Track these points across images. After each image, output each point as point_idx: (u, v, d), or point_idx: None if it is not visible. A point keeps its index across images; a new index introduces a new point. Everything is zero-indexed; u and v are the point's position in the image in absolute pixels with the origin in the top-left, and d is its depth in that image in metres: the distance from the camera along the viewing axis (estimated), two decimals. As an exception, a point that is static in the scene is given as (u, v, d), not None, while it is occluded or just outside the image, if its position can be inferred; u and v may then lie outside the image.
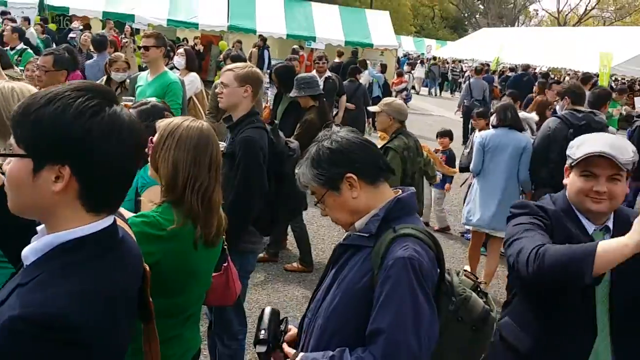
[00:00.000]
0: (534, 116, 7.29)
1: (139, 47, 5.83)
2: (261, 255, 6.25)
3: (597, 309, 2.18)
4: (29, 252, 1.43)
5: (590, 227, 2.26)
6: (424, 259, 1.79)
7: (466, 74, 26.12)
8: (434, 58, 35.20)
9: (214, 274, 2.70)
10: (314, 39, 20.49)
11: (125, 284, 1.52)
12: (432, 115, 20.27)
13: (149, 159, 2.30)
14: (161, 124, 2.31)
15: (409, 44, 42.63)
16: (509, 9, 59.42)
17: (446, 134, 8.16)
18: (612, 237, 2.14)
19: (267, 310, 2.11)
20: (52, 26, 16.80)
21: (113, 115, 1.39)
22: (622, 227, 2.10)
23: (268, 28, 19.86)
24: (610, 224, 2.28)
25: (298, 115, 6.28)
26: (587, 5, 56.69)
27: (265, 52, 17.99)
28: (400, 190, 2.00)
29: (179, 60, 7.32)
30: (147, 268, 1.73)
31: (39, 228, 1.49)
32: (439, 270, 1.89)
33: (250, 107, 3.68)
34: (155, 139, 2.27)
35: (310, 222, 7.10)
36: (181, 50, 7.52)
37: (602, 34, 25.43)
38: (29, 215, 1.50)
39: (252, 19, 20.05)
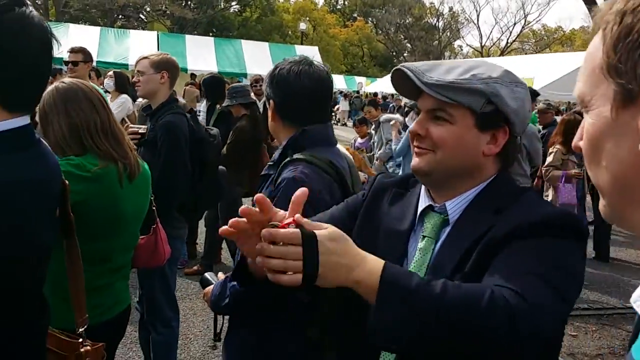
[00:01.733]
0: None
1: (66, 63, 5.80)
2: (195, 267, 6.22)
3: None
4: None
5: (424, 202, 1.47)
6: (313, 180, 1.88)
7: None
8: (357, 92, 36.06)
9: (142, 236, 2.71)
10: (245, 74, 20.76)
11: (45, 177, 1.56)
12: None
13: None
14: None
15: (340, 82, 43.58)
16: (435, 45, 61.81)
17: (363, 121, 8.82)
18: (452, 235, 1.39)
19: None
20: None
21: (23, 14, 1.44)
22: (480, 219, 1.35)
23: (199, 66, 20.03)
24: (454, 206, 1.42)
25: (229, 124, 6.35)
26: (507, 39, 59.69)
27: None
28: None
29: (108, 82, 7.32)
30: (67, 182, 1.76)
31: None
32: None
33: (168, 95, 3.72)
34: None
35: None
36: (110, 72, 7.53)
37: (523, 62, 26.79)
38: None
39: (183, 57, 20.18)
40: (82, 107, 2.25)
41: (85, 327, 1.98)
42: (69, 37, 18.52)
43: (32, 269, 1.53)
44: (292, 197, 1.19)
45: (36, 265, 1.55)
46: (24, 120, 1.51)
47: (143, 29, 33.67)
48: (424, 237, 1.42)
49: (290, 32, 51.24)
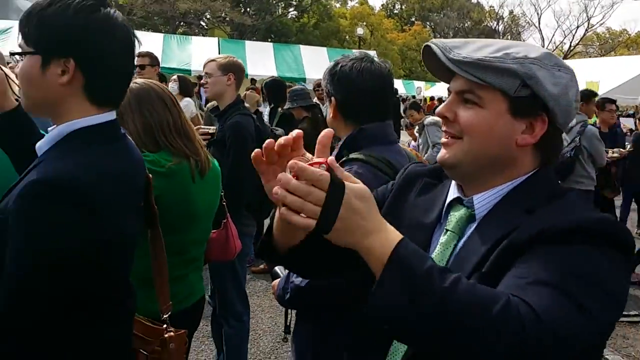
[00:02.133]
0: None
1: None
2: (261, 266, 6.32)
3: None
4: (42, 143, 1.56)
5: (453, 194, 1.36)
6: (368, 180, 1.85)
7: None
8: (413, 96, 35.74)
9: (214, 230, 2.81)
10: (303, 79, 20.93)
11: (131, 170, 1.64)
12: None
13: None
14: None
15: (399, 86, 43.32)
16: (494, 49, 60.58)
17: (411, 125, 8.57)
18: (478, 232, 1.26)
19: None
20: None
21: (108, 15, 1.54)
22: (508, 218, 1.21)
23: (259, 71, 20.33)
24: (481, 201, 1.29)
25: (291, 127, 6.46)
26: (570, 42, 58.10)
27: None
28: None
29: (172, 86, 7.54)
30: (150, 176, 1.85)
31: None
32: None
33: (235, 96, 3.84)
34: None
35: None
36: (174, 77, 7.77)
37: (588, 66, 26.05)
38: (40, 112, 1.63)
39: (243, 63, 20.46)
40: (155, 107, 2.35)
41: (169, 314, 2.08)
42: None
43: (119, 256, 1.61)
44: (319, 138, 1.08)
45: (123, 253, 1.63)
46: (111, 115, 1.60)
47: (204, 35, 34.47)
48: (447, 230, 1.29)
49: (347, 38, 51.39)
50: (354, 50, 25.11)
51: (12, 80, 1.88)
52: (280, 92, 6.86)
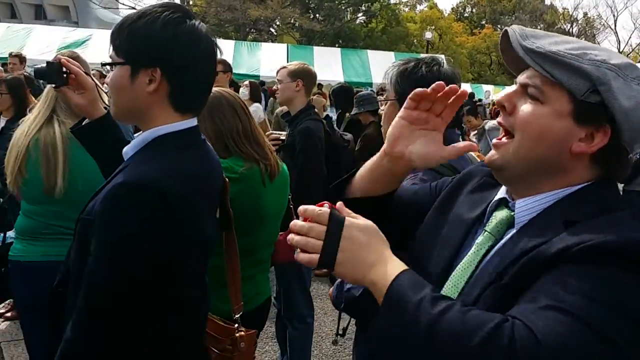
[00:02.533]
0: None
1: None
2: (325, 270, 6.37)
3: None
4: (128, 149, 1.67)
5: (501, 194, 1.30)
6: None
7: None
8: (479, 100, 35.02)
9: (281, 232, 2.89)
10: (370, 84, 20.92)
11: (210, 175, 1.73)
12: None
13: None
14: None
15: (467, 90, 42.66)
16: (568, 52, 58.75)
17: (471, 112, 8.20)
18: (514, 239, 1.18)
19: None
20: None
21: (193, 27, 1.63)
22: (546, 230, 1.12)
23: (326, 76, 20.47)
24: (524, 206, 1.21)
25: (358, 132, 6.50)
26: (648, 44, 55.55)
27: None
28: None
29: (243, 91, 7.76)
30: (227, 180, 1.93)
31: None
32: None
33: (306, 102, 3.94)
34: None
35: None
36: (246, 82, 8.00)
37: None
38: (128, 120, 1.74)
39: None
40: (225, 115, 2.44)
41: (240, 313, 2.16)
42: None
43: (196, 256, 1.69)
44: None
45: (199, 252, 1.71)
46: (192, 122, 1.69)
47: (273, 41, 35.02)
48: (485, 231, 1.23)
49: (415, 42, 50.94)
50: (422, 54, 24.86)
51: (101, 89, 2.00)
52: (347, 98, 6.92)
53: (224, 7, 35.42)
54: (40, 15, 46.54)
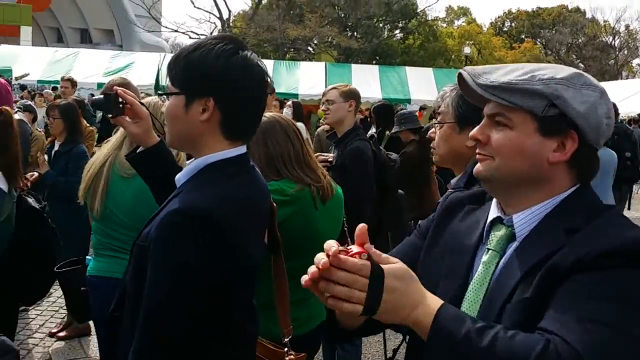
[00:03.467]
0: None
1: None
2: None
3: None
4: (181, 176, 1.72)
5: (494, 214, 1.38)
6: None
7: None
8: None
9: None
10: (408, 100, 20.89)
11: (258, 200, 1.77)
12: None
13: None
14: None
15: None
16: (611, 65, 57.69)
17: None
18: (518, 251, 1.28)
19: None
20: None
21: (245, 57, 1.68)
22: (549, 238, 1.24)
23: (364, 93, 20.50)
24: (521, 220, 1.31)
25: (399, 150, 6.49)
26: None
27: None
28: None
29: (287, 111, 7.92)
30: (275, 204, 1.97)
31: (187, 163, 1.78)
32: None
33: (354, 122, 3.96)
34: None
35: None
36: (289, 102, 8.17)
37: None
38: (181, 147, 1.80)
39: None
40: (278, 139, 2.49)
41: (290, 337, 2.18)
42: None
43: (245, 279, 1.72)
44: (357, 231, 1.16)
45: (249, 276, 1.74)
46: (242, 149, 1.73)
47: (311, 59, 35.36)
48: (488, 250, 1.33)
49: (454, 57, 50.72)
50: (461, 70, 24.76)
51: (156, 119, 2.07)
52: (388, 116, 6.92)
53: (263, 28, 35.97)
54: (85, 39, 48.05)
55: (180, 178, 1.72)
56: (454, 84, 2.14)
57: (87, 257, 3.36)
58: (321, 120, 15.01)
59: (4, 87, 5.05)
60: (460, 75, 1.37)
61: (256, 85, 1.70)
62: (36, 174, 4.79)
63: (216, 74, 1.62)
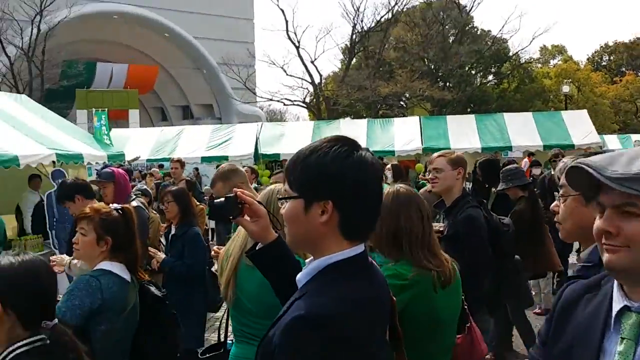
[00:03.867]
0: None
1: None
2: (487, 356, 6.07)
3: None
4: (301, 276, 1.74)
5: (619, 303, 1.38)
6: None
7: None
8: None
9: (458, 335, 2.80)
10: (509, 147, 20.32)
11: (378, 299, 1.74)
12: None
13: None
14: None
15: (613, 143, 40.07)
16: None
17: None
18: None
19: None
20: (266, 172, 18.82)
21: (360, 157, 1.69)
22: None
23: (462, 144, 20.19)
24: None
25: (507, 209, 6.28)
26: None
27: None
28: None
29: (387, 174, 7.96)
30: (394, 299, 1.93)
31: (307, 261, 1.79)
32: None
33: (462, 189, 3.88)
34: None
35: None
36: (388, 165, 8.23)
37: None
38: (301, 248, 1.82)
39: (445, 138, 20.55)
40: (412, 216, 2.47)
41: None
42: (340, 131, 20.25)
43: None
44: None
45: None
46: (360, 248, 1.72)
47: (404, 114, 35.41)
48: (622, 339, 1.33)
49: (552, 97, 49.24)
50: (562, 112, 23.93)
51: (274, 216, 2.12)
52: (494, 172, 6.73)
53: (355, 88, 36.56)
54: (187, 115, 50.92)
55: (300, 279, 1.73)
56: (575, 155, 2.07)
57: (227, 341, 3.46)
58: (420, 175, 14.91)
59: (123, 177, 5.42)
60: (576, 168, 1.37)
61: (372, 184, 1.70)
62: (154, 262, 5.07)
63: (333, 177, 1.64)
